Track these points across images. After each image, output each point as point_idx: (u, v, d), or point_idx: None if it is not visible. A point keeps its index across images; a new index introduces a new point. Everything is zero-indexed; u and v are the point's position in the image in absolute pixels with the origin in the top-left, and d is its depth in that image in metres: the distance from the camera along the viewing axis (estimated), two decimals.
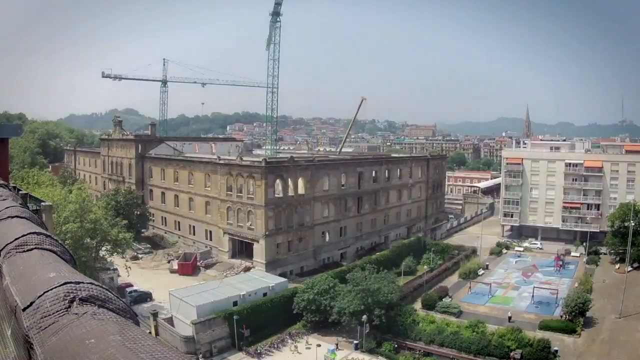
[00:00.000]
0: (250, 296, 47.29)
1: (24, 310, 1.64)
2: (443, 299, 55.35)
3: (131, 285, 54.25)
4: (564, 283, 63.57)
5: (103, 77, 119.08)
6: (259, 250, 60.68)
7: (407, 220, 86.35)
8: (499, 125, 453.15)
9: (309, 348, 44.17)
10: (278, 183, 61.87)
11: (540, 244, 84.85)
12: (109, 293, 1.77)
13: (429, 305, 53.09)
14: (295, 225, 63.77)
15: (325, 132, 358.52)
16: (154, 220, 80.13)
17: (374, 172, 78.80)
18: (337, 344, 44.84)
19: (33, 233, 2.51)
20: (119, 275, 56.12)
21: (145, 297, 52.71)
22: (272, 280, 51.66)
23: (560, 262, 71.45)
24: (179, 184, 76.05)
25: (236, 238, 65.18)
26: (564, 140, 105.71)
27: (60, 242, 2.56)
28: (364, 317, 44.01)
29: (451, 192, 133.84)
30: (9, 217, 3.15)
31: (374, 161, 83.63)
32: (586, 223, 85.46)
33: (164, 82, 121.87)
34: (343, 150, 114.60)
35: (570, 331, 46.81)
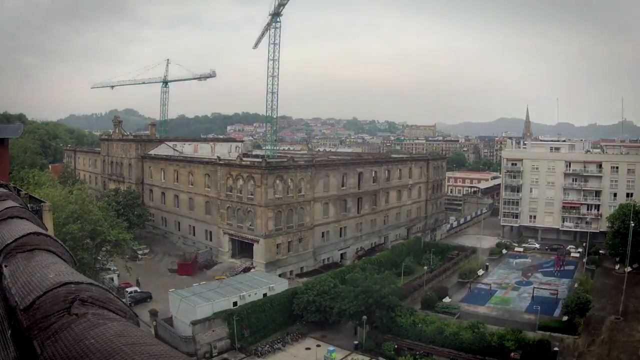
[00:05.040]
0: (250, 296, 47.28)
1: (24, 310, 1.64)
2: (443, 300, 55.36)
3: (131, 286, 54.30)
4: (563, 283, 63.62)
5: (92, 88, 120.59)
6: (259, 250, 60.69)
7: (407, 221, 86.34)
8: (498, 125, 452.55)
9: (309, 349, 44.19)
10: (278, 183, 61.89)
11: (538, 244, 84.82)
12: (108, 293, 1.77)
13: (428, 306, 53.08)
14: (295, 226, 63.79)
15: (326, 132, 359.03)
16: (153, 221, 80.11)
17: (373, 173, 78.82)
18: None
19: (33, 233, 2.51)
20: (118, 275, 56.20)
21: (145, 297, 52.74)
22: (272, 281, 51.66)
23: (561, 263, 71.47)
24: (179, 184, 76.04)
25: (236, 238, 65.19)
26: (564, 141, 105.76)
27: (60, 242, 2.57)
28: (364, 317, 44.03)
29: (451, 192, 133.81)
30: (9, 217, 3.15)
31: (374, 162, 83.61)
32: (586, 223, 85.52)
33: (165, 83, 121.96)
34: (343, 150, 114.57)
35: (570, 331, 46.79)
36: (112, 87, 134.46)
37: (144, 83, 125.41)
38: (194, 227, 72.93)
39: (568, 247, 79.97)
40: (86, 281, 1.80)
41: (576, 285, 59.26)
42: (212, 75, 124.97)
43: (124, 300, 1.83)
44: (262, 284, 50.48)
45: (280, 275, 57.41)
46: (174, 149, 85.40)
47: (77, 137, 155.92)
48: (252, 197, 61.98)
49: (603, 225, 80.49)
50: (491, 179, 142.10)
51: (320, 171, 68.00)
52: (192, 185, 73.59)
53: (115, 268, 56.64)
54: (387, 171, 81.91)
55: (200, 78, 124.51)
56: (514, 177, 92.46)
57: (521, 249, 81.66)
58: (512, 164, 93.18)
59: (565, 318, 48.53)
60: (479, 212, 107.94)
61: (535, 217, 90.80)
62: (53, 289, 1.70)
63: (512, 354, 41.08)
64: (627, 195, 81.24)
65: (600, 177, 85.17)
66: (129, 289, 52.85)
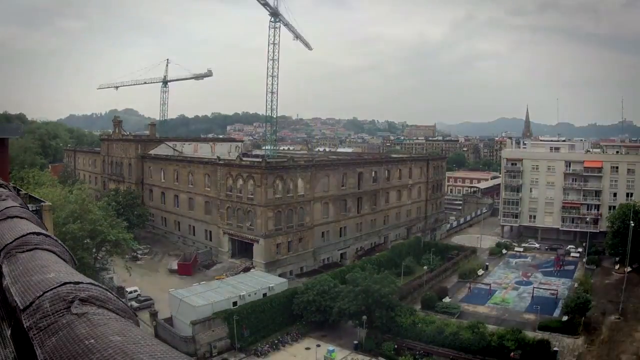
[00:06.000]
0: (250, 296, 47.27)
1: (23, 310, 1.64)
2: (443, 299, 55.40)
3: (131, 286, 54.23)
4: (563, 283, 63.64)
5: (99, 89, 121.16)
6: (259, 250, 60.68)
7: (406, 221, 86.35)
8: (498, 125, 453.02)
9: (309, 348, 44.18)
10: (278, 183, 61.89)
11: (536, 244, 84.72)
12: (108, 293, 1.77)
13: (428, 306, 53.12)
14: (295, 226, 63.78)
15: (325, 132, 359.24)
16: (153, 221, 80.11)
17: (373, 173, 78.83)
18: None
19: (33, 233, 2.51)
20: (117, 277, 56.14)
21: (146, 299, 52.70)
22: (272, 281, 51.66)
23: (560, 263, 71.47)
24: (179, 184, 76.04)
25: (236, 238, 65.18)
26: (564, 141, 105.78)
27: (60, 242, 2.56)
28: (364, 317, 44.03)
29: (451, 192, 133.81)
30: (8, 217, 3.15)
31: (374, 161, 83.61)
32: (586, 223, 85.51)
33: (165, 83, 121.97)
34: (343, 150, 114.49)
35: (570, 331, 46.80)
36: (117, 87, 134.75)
37: (145, 83, 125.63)
38: (193, 227, 72.93)
39: (568, 247, 80.00)
40: (86, 281, 1.80)
41: (576, 285, 59.30)
42: (209, 74, 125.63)
43: (123, 300, 1.83)
44: (262, 284, 50.46)
45: (280, 275, 57.36)
46: (174, 149, 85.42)
47: (77, 137, 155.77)
48: (252, 197, 61.98)
49: (603, 225, 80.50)
50: (491, 179, 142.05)
51: (320, 171, 68.01)
52: (192, 185, 73.60)
53: (112, 268, 56.50)
54: (387, 171, 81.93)
55: (197, 77, 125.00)
56: (514, 177, 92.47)
57: (521, 249, 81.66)
58: (512, 164, 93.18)
59: (565, 318, 48.57)
60: (478, 212, 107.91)
61: (535, 217, 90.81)
62: (53, 288, 1.70)
63: (512, 354, 41.07)
64: (627, 195, 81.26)
65: (600, 177, 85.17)
66: (129, 289, 52.79)
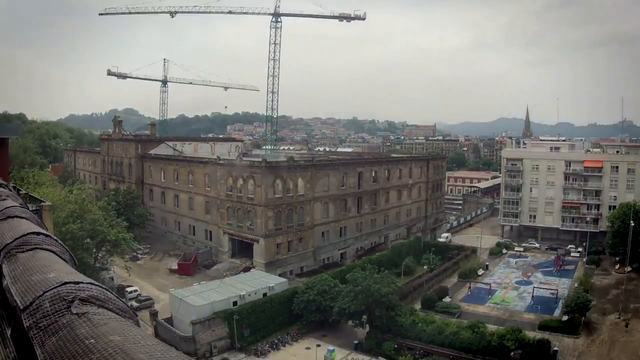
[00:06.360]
0: (250, 296, 47.27)
1: (23, 310, 1.64)
2: (443, 299, 55.40)
3: (130, 286, 54.26)
4: (563, 283, 63.64)
5: (108, 74, 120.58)
6: (259, 250, 60.68)
7: (407, 221, 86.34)
8: (498, 125, 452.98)
9: (309, 348, 44.19)
10: (278, 183, 61.88)
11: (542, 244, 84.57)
12: (108, 293, 1.77)
13: (428, 306, 53.12)
14: (295, 226, 63.78)
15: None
16: (153, 220, 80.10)
17: (373, 172, 78.81)
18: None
19: (33, 233, 2.51)
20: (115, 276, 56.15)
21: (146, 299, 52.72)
22: (272, 281, 51.64)
23: (560, 263, 71.46)
24: (179, 184, 76.05)
25: (236, 238, 65.18)
26: (564, 140, 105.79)
27: (60, 242, 2.57)
28: (364, 317, 44.02)
29: (451, 192, 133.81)
30: (9, 217, 3.15)
31: (374, 161, 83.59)
32: (586, 223, 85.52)
33: (164, 82, 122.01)
34: (343, 150, 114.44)
35: (570, 331, 46.81)
36: (125, 77, 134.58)
37: (156, 80, 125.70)
38: (193, 227, 72.94)
39: (568, 247, 80.00)
40: (86, 280, 1.80)
41: (576, 285, 59.29)
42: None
43: (123, 299, 1.83)
44: (262, 283, 50.45)
45: (280, 275, 57.37)
46: (174, 149, 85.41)
47: (76, 137, 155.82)
48: (252, 196, 61.98)
49: (603, 225, 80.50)
50: (491, 179, 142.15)
51: (320, 171, 67.99)
52: (192, 185, 73.61)
53: (112, 268, 56.48)
54: (387, 171, 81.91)
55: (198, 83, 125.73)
56: (514, 176, 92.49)
57: (521, 249, 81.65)
58: (512, 164, 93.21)
59: (565, 318, 48.56)
60: (478, 212, 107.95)
61: (535, 216, 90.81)
62: (53, 288, 1.70)
63: (512, 354, 41.06)
64: (627, 194, 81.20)
65: (600, 176, 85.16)
66: (129, 289, 52.81)
